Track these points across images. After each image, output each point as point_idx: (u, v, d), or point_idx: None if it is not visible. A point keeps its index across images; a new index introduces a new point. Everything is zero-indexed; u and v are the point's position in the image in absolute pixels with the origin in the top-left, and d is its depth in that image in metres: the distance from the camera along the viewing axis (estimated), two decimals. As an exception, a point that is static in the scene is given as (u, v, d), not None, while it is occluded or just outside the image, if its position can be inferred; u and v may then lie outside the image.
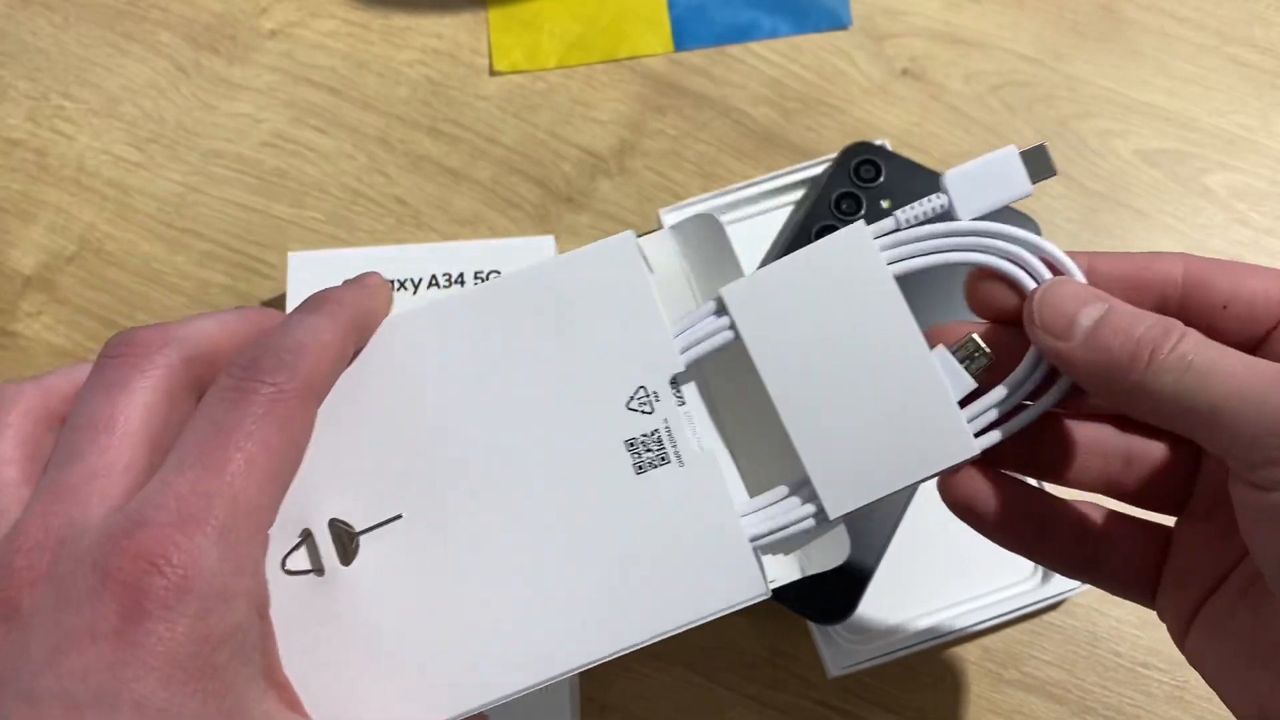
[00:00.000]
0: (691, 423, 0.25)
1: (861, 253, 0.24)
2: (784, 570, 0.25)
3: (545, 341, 0.24)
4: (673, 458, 0.24)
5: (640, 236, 0.25)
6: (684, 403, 0.25)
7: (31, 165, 0.46)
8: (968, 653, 0.39)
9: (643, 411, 0.24)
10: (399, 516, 0.23)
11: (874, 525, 0.38)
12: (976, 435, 0.24)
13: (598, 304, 0.24)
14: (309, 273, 0.38)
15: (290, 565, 0.22)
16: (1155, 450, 0.25)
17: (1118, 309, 0.22)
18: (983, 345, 0.24)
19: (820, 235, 0.44)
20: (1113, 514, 0.27)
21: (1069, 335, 0.22)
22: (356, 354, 0.24)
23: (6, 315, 0.44)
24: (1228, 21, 0.47)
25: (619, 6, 0.48)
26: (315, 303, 0.23)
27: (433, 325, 0.24)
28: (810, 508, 0.24)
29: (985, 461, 0.25)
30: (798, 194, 0.44)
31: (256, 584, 0.20)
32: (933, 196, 0.24)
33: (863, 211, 0.42)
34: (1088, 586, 0.38)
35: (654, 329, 0.24)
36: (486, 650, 0.23)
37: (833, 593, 0.37)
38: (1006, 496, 0.26)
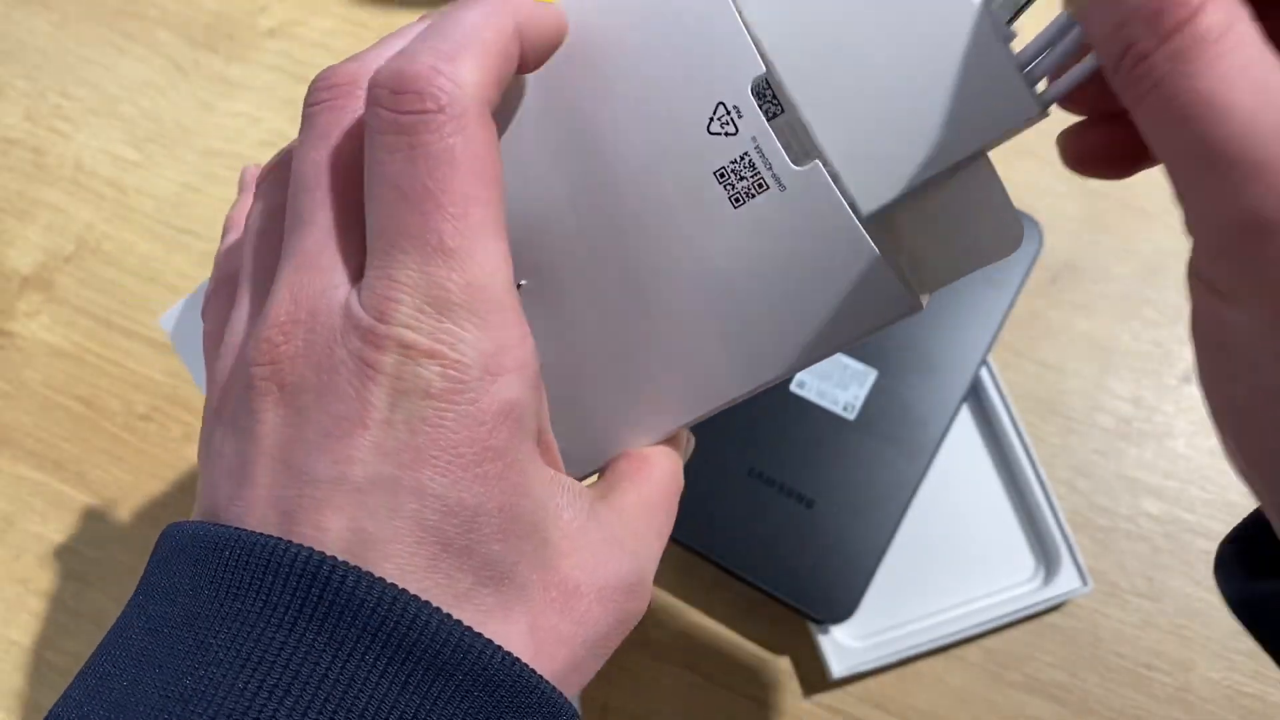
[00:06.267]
0: (794, 132, 0.20)
1: None
2: (936, 271, 0.21)
3: (626, 70, 0.21)
4: (770, 182, 0.20)
5: None
6: (779, 111, 0.20)
7: (29, 164, 0.46)
8: (969, 654, 0.39)
9: (726, 134, 0.20)
10: (520, 285, 0.21)
11: (875, 526, 0.38)
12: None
13: (666, 7, 0.20)
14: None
15: None
16: None
17: None
18: None
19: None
20: None
21: None
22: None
23: (4, 315, 0.44)
24: (1230, 20, 0.47)
25: (619, 5, 0.48)
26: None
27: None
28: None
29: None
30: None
31: (523, 353, 0.18)
32: None
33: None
34: (1090, 587, 0.38)
35: (726, 26, 0.19)
36: (654, 386, 0.22)
37: (834, 593, 0.37)
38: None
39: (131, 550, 0.40)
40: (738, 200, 0.20)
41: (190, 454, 0.41)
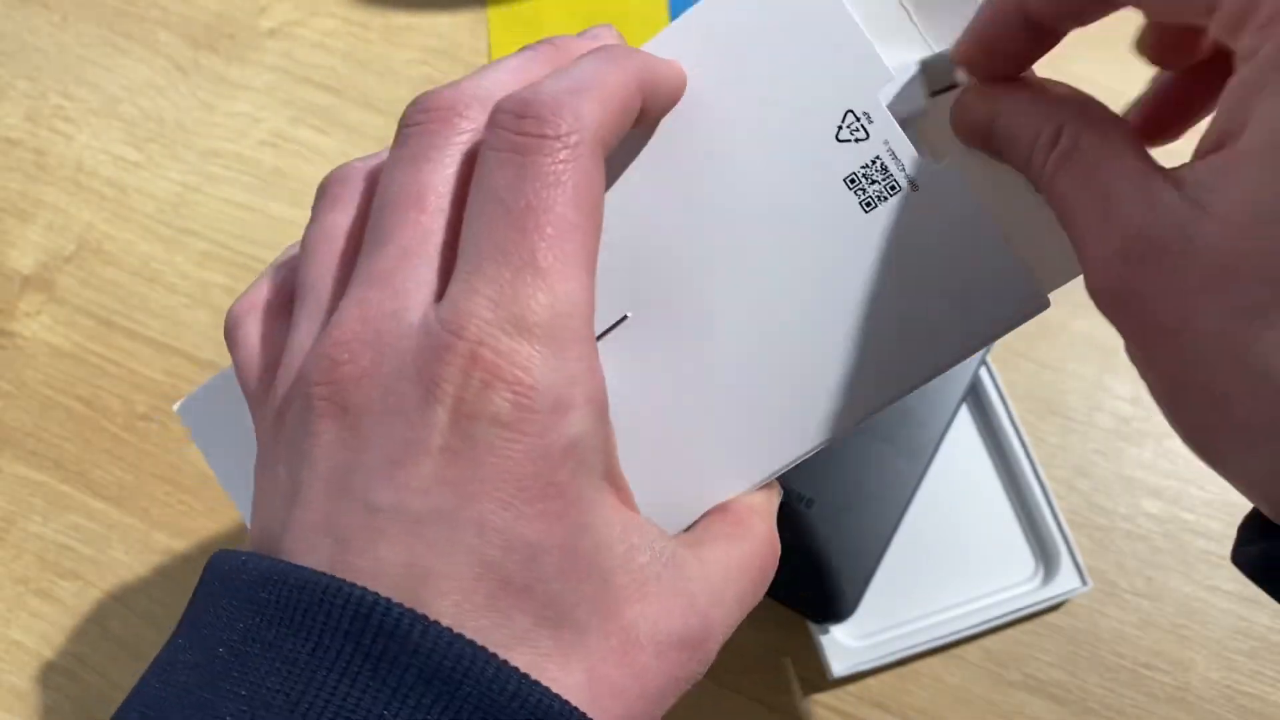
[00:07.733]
0: (924, 128, 0.21)
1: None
2: (1057, 268, 0.21)
3: (739, 94, 0.21)
4: (903, 184, 0.21)
5: None
6: (950, 85, 0.21)
7: (30, 165, 0.46)
8: (969, 654, 0.39)
9: (856, 140, 0.21)
10: (624, 318, 0.21)
11: (875, 526, 0.38)
12: None
13: (780, 30, 0.21)
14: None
15: None
16: None
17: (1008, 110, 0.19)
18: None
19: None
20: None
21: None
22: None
23: (5, 315, 0.44)
24: (1229, 21, 0.47)
25: (619, 6, 0.48)
26: (600, 50, 0.20)
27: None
28: None
29: None
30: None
31: (593, 387, 0.18)
32: None
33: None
34: (1090, 587, 0.38)
35: (848, 39, 0.20)
36: (765, 419, 0.21)
37: (833, 593, 0.37)
38: None
39: (131, 550, 0.40)
40: (869, 205, 0.21)
41: (191, 454, 0.41)
